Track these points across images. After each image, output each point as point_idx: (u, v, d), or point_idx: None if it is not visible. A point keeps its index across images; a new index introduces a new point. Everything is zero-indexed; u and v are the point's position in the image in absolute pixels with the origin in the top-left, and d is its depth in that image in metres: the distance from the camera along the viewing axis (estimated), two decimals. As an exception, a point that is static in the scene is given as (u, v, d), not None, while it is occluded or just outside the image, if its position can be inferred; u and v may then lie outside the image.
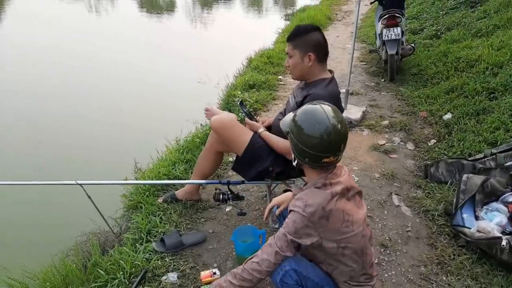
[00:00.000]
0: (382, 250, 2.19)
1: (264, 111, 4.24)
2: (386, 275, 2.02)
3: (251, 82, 4.91)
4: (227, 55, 8.09)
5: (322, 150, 1.36)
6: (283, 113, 2.19)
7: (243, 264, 1.47)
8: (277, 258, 1.41)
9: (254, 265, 1.42)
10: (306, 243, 1.39)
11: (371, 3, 5.97)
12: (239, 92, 4.54)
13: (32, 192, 3.10)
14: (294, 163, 1.51)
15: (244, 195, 2.49)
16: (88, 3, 18.44)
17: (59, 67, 7.09)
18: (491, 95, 3.67)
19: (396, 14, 4.67)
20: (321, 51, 1.95)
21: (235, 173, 2.91)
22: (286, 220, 1.42)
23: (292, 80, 2.32)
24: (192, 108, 4.79)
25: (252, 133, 2.13)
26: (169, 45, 9.27)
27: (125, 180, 2.90)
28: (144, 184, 2.70)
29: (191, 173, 2.72)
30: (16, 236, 2.87)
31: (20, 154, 4.03)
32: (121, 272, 1.93)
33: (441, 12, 7.08)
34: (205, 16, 14.94)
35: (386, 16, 4.68)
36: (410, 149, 3.34)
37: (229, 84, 5.25)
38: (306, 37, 1.91)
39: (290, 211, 1.41)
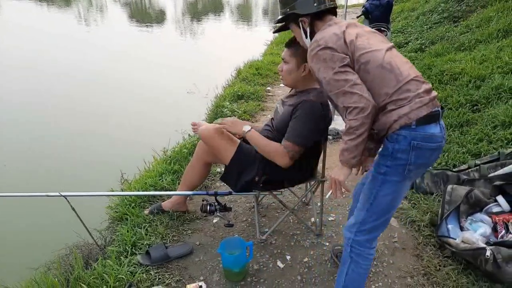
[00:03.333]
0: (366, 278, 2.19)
1: (253, 122, 4.25)
2: (373, 286, 2.02)
3: (239, 93, 4.94)
4: (216, 66, 8.15)
5: None
6: (270, 123, 2.19)
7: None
8: (357, 88, 1.34)
9: (352, 110, 1.33)
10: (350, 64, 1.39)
11: (358, 17, 6.09)
12: (228, 103, 4.55)
13: (14, 204, 3.02)
14: (307, 34, 1.58)
15: (231, 206, 2.48)
16: (77, 13, 18.42)
17: (45, 77, 7.03)
18: (474, 107, 3.75)
19: (382, 28, 4.77)
20: None
21: (222, 184, 2.92)
22: (319, 69, 1.41)
23: (281, 91, 2.34)
24: (181, 118, 4.78)
25: (238, 142, 2.12)
26: (158, 55, 9.28)
27: (110, 191, 2.86)
28: (129, 196, 2.66)
29: (178, 184, 2.70)
30: None
31: (4, 163, 3.95)
32: (105, 287, 1.88)
33: (425, 27, 7.26)
34: (194, 27, 15.03)
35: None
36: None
37: (218, 95, 5.27)
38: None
39: (313, 57, 1.42)
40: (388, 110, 1.38)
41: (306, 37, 1.61)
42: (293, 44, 1.93)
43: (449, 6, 7.60)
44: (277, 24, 1.78)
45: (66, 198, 2.10)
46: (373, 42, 1.44)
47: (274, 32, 1.94)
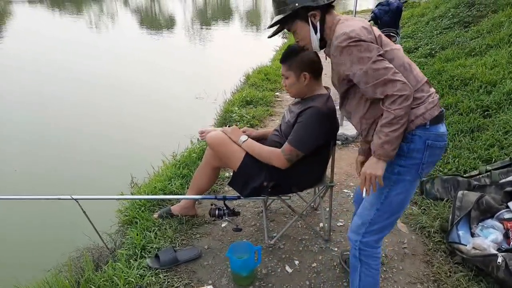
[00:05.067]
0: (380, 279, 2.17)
1: (261, 127, 4.26)
2: (382, 292, 2.01)
3: (248, 98, 4.96)
4: (225, 72, 8.20)
5: None
6: (279, 129, 2.20)
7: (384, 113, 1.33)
8: (398, 75, 1.31)
9: (397, 98, 1.29)
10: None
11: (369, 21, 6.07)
12: (237, 108, 4.58)
13: (26, 206, 3.07)
14: (318, 29, 1.51)
15: (240, 210, 2.50)
16: (88, 20, 18.75)
17: (56, 81, 7.17)
18: (485, 113, 3.71)
19: (391, 33, 4.75)
20: (315, 69, 1.98)
21: (231, 188, 2.92)
22: (353, 61, 1.35)
23: (289, 97, 2.35)
24: (190, 123, 4.84)
25: None
26: (167, 61, 9.41)
27: (120, 195, 2.89)
28: (139, 199, 2.69)
29: (187, 188, 2.72)
30: (9, 251, 2.84)
31: (15, 168, 4.02)
32: (114, 289, 1.90)
33: (435, 32, 7.22)
34: (203, 33, 15.17)
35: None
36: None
37: (227, 100, 5.30)
38: (299, 57, 1.93)
39: (343, 50, 1.36)
40: None
41: (316, 32, 1.52)
42: (286, 58, 1.97)
43: (460, 11, 7.55)
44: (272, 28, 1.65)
45: (77, 201, 2.13)
46: (391, 42, 1.47)
47: (269, 37, 1.88)
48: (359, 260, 1.62)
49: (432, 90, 1.45)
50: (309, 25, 1.52)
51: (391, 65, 1.33)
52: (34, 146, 4.53)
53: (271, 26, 1.62)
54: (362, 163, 1.77)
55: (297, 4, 1.48)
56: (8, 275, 2.21)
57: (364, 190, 1.42)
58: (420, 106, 1.38)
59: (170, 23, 18.19)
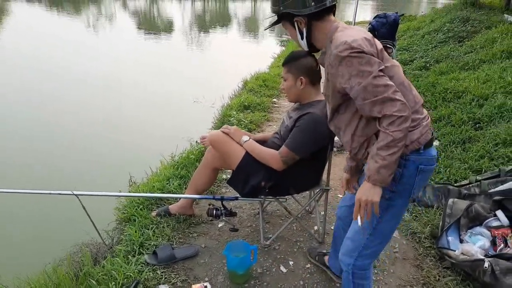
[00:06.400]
0: None
1: (258, 132, 4.33)
2: (373, 294, 2.07)
3: (246, 103, 5.03)
4: (222, 77, 8.29)
5: None
6: (279, 132, 2.27)
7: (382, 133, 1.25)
8: (398, 95, 1.23)
9: (395, 120, 1.21)
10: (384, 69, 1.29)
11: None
12: (235, 112, 4.65)
13: (26, 201, 3.10)
14: (304, 35, 1.47)
15: (236, 211, 2.55)
16: (86, 20, 18.77)
17: (56, 80, 7.21)
18: (477, 125, 3.83)
19: (388, 45, 4.86)
20: (313, 75, 2.06)
21: (228, 190, 2.99)
22: (352, 73, 1.26)
23: (287, 103, 2.42)
24: (188, 126, 4.90)
25: None
26: (165, 64, 9.47)
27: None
28: (139, 197, 2.73)
29: (185, 188, 2.78)
30: (8, 244, 2.87)
31: (16, 163, 4.06)
32: (113, 283, 1.94)
33: (430, 45, 7.39)
34: (201, 38, 15.28)
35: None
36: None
37: (225, 105, 5.37)
38: (299, 62, 2.02)
39: (342, 60, 1.27)
40: None
41: (302, 38, 1.49)
42: (287, 62, 2.07)
43: (454, 26, 7.75)
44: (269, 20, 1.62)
45: (77, 197, 2.18)
46: (390, 58, 1.41)
47: (265, 29, 1.95)
48: (352, 282, 1.62)
49: (425, 112, 1.41)
50: (295, 29, 1.49)
51: (391, 83, 1.24)
52: (34, 143, 4.57)
53: (268, 27, 1.70)
54: (348, 181, 1.73)
55: (281, 8, 1.46)
56: (7, 267, 2.23)
57: (359, 218, 1.34)
58: (415, 130, 1.32)
59: (168, 27, 18.29)
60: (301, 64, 2.03)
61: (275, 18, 1.56)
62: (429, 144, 1.36)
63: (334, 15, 1.48)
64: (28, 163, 4.11)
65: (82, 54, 9.86)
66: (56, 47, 10.35)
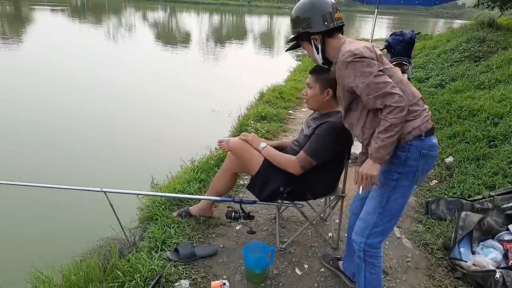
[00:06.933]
0: (382, 276, 2.31)
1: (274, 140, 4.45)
2: (385, 299, 2.14)
3: (263, 114, 5.17)
4: (239, 89, 8.49)
5: (327, 7, 1.71)
6: (298, 141, 2.38)
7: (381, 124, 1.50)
8: (396, 89, 1.48)
9: (393, 109, 1.46)
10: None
11: (381, 50, 6.33)
12: (252, 122, 4.79)
13: (56, 195, 3.28)
14: (319, 49, 1.76)
15: (254, 215, 2.65)
16: (106, 31, 19.36)
17: (79, 90, 7.55)
18: (491, 143, 3.88)
19: (404, 62, 4.97)
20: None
21: (245, 194, 3.09)
22: (356, 74, 1.53)
23: (302, 115, 2.53)
24: (206, 134, 5.06)
25: None
26: (183, 75, 9.78)
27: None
28: (163, 197, 2.85)
29: (205, 191, 2.90)
30: (41, 233, 3.10)
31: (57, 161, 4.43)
32: (138, 275, 2.05)
33: (446, 64, 7.46)
34: (218, 51, 15.60)
35: (394, 63, 4.98)
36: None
37: (242, 115, 5.52)
38: (328, 74, 2.13)
39: (348, 64, 1.55)
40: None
41: (318, 53, 1.78)
42: (317, 71, 2.16)
43: (471, 46, 7.82)
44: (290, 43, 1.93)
45: (106, 194, 2.31)
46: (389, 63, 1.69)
47: (286, 50, 2.15)
48: (363, 261, 1.77)
49: (426, 106, 1.64)
50: (312, 46, 1.79)
51: (390, 80, 1.51)
52: (70, 148, 4.88)
53: (288, 42, 1.94)
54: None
55: (300, 29, 1.77)
56: (39, 255, 2.37)
57: (361, 187, 1.57)
58: (417, 119, 1.56)
59: (185, 39, 18.74)
60: (332, 76, 2.14)
61: (294, 42, 1.87)
62: (430, 132, 1.58)
63: (342, 34, 1.81)
64: (65, 161, 4.44)
65: (102, 64, 10.25)
66: (81, 58, 10.75)
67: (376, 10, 5.69)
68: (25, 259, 2.39)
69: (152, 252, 2.30)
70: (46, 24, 19.28)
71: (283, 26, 31.38)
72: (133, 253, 2.26)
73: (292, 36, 1.84)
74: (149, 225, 2.63)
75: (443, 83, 6.46)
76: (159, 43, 16.40)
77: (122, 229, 2.48)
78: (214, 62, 12.80)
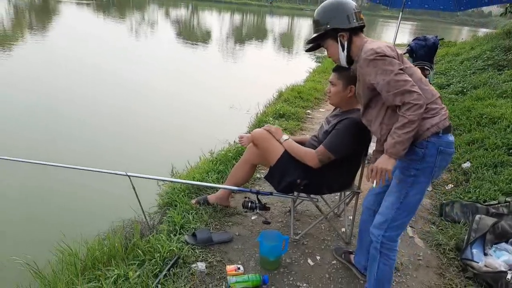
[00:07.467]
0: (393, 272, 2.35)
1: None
2: (395, 294, 2.18)
3: (281, 112, 5.25)
4: (257, 87, 8.60)
5: (352, 6, 1.78)
6: (317, 136, 2.44)
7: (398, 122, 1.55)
8: (415, 87, 1.53)
9: (412, 106, 1.51)
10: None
11: (403, 54, 6.31)
12: (271, 119, 4.87)
13: (85, 177, 3.45)
14: (345, 47, 1.81)
15: (270, 207, 2.72)
16: (130, 26, 19.74)
17: (104, 84, 7.82)
18: (510, 151, 3.85)
19: (425, 67, 4.96)
20: None
21: (262, 187, 3.17)
22: (377, 72, 1.59)
23: (320, 114, 2.59)
24: (224, 130, 5.18)
25: None
26: (203, 73, 9.93)
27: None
28: (185, 184, 2.95)
29: (223, 182, 2.99)
30: (69, 210, 3.37)
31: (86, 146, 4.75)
32: (157, 255, 2.16)
33: (468, 71, 7.39)
34: (237, 49, 15.74)
35: (416, 67, 4.99)
36: (428, 190, 3.51)
37: (260, 112, 5.60)
38: (351, 72, 2.19)
39: (370, 62, 1.61)
40: (421, 118, 1.60)
41: (343, 50, 1.83)
42: (340, 68, 2.20)
43: (495, 55, 7.72)
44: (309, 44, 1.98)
45: (130, 178, 2.43)
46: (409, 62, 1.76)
47: (306, 51, 2.21)
48: (379, 252, 1.83)
49: (444, 105, 1.70)
50: (338, 43, 1.83)
51: (410, 78, 1.56)
52: (94, 140, 5.12)
53: (308, 42, 1.97)
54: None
55: (328, 26, 1.81)
56: (65, 232, 2.50)
57: (374, 181, 1.63)
58: (435, 116, 1.62)
59: (206, 37, 18.95)
60: (354, 74, 2.20)
61: (316, 41, 1.91)
62: (447, 130, 1.64)
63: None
64: (91, 151, 4.68)
65: (129, 60, 10.56)
66: (106, 52, 11.08)
67: (400, 13, 5.68)
68: (53, 233, 2.52)
69: (171, 235, 2.40)
70: (72, 18, 19.80)
71: (304, 27, 31.39)
72: (153, 235, 2.36)
73: (317, 34, 1.87)
74: (169, 210, 2.73)
75: (465, 90, 6.40)
76: (180, 40, 16.65)
77: (143, 212, 2.59)
78: (233, 60, 12.94)
